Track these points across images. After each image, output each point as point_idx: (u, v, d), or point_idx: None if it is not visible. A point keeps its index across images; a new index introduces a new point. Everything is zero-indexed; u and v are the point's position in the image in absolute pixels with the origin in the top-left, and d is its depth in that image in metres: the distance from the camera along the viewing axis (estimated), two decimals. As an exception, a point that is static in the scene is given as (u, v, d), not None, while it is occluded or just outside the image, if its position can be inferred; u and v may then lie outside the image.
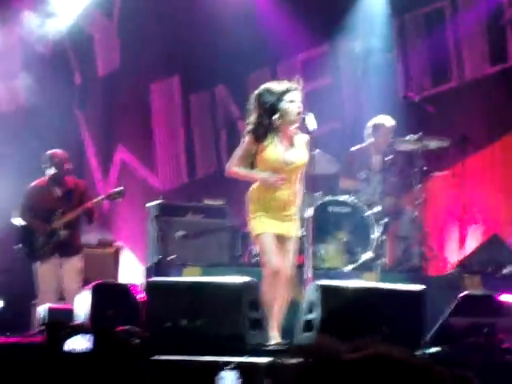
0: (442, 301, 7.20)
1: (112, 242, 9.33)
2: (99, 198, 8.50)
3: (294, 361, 2.29)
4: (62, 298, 8.20)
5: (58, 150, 8.41)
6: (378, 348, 2.13)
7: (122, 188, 8.56)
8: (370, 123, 8.95)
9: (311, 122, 7.67)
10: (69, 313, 6.74)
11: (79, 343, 4.62)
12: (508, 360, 5.55)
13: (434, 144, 8.63)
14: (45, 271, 8.29)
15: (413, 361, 2.12)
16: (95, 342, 4.57)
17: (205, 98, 10.57)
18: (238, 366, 5.20)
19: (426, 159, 8.65)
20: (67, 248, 8.30)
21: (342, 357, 2.17)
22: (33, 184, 8.47)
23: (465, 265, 8.31)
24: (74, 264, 8.31)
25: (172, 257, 8.34)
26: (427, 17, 10.22)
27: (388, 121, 8.88)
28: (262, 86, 6.58)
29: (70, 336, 4.58)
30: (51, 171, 8.36)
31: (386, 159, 8.79)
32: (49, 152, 8.41)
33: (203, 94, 10.57)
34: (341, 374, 2.15)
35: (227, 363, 5.24)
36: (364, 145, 9.01)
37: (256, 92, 6.59)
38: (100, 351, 4.53)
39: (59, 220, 8.24)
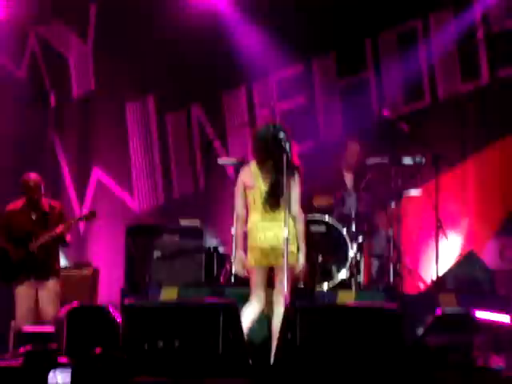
0: (417, 319, 7.25)
1: (89, 264, 9.32)
2: (70, 221, 8.46)
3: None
4: (40, 321, 8.17)
5: (32, 173, 8.39)
6: None
7: (93, 210, 8.55)
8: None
9: (286, 142, 7.70)
10: (44, 336, 6.72)
11: (59, 377, 4.62)
12: (483, 378, 5.59)
13: (408, 162, 8.70)
14: (21, 294, 8.26)
15: None
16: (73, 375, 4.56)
17: (180, 117, 10.60)
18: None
19: (401, 178, 8.71)
20: (43, 271, 8.27)
21: None
22: (8, 207, 8.44)
23: (440, 282, 8.37)
24: (51, 287, 8.28)
25: (148, 277, 8.34)
26: (400, 36, 10.31)
27: (353, 140, 9.01)
28: None
29: (49, 368, 4.57)
30: (26, 194, 8.33)
31: (359, 179, 8.86)
32: (24, 175, 8.38)
33: (178, 114, 10.59)
34: None
35: None
36: (337, 163, 9.10)
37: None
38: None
39: (34, 243, 8.22)
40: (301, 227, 6.87)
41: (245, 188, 6.92)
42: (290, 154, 6.84)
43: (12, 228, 8.28)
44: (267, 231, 6.83)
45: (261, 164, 6.92)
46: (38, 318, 8.21)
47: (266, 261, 6.86)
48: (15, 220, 8.32)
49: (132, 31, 10.38)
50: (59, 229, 8.21)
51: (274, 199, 6.83)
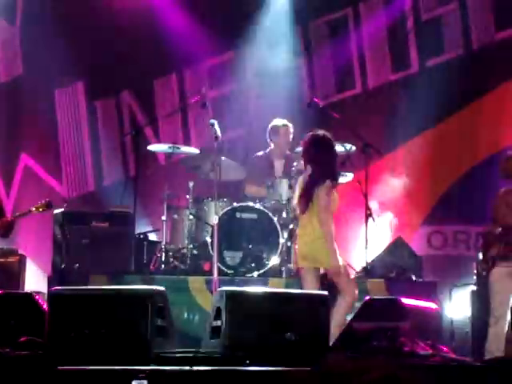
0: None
1: (15, 251, 9.16)
2: (25, 211, 8.32)
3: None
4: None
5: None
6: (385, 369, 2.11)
7: (49, 200, 8.42)
8: (268, 127, 9.07)
9: (217, 129, 7.74)
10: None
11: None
12: (410, 363, 5.64)
13: (338, 150, 8.73)
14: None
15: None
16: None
17: (110, 104, 10.49)
18: (147, 375, 5.17)
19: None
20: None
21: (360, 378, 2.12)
22: None
23: (369, 269, 8.44)
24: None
25: (77, 265, 8.23)
26: (331, 25, 10.36)
27: (283, 123, 9.01)
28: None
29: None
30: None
31: (290, 165, 8.89)
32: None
33: (109, 101, 10.48)
34: None
35: (137, 372, 5.21)
36: (267, 150, 9.11)
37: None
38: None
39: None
40: (324, 230, 7.18)
41: None
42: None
43: None
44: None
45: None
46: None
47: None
48: None
49: (61, 16, 10.23)
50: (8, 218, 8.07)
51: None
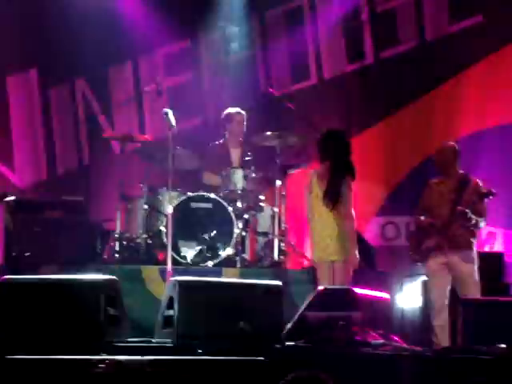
0: (300, 295, 7.34)
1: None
2: None
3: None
4: None
5: None
6: None
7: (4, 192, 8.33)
8: (223, 115, 9.06)
9: (171, 118, 7.71)
10: None
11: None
12: (361, 352, 5.69)
13: (293, 140, 8.76)
14: None
15: None
16: None
17: (64, 91, 10.39)
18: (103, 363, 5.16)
19: (286, 155, 8.78)
20: None
21: None
22: None
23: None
24: None
25: (28, 254, 8.15)
26: (287, 15, 10.37)
27: (237, 110, 9.01)
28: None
29: None
30: None
31: (245, 155, 8.89)
32: None
33: (63, 88, 10.38)
34: None
35: (89, 361, 5.19)
36: (222, 140, 9.10)
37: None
38: None
39: None
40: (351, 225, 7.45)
41: None
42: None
43: None
44: None
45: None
46: None
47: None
48: None
49: (13, 2, 10.09)
50: None
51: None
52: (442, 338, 7.58)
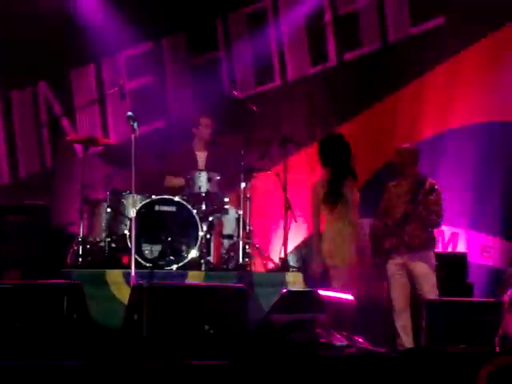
0: (265, 298, 7.34)
1: None
2: None
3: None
4: None
5: None
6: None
7: None
8: (190, 119, 9.08)
9: (135, 121, 7.70)
10: None
11: None
12: (325, 354, 5.70)
13: (257, 143, 8.77)
14: None
15: None
16: None
17: (26, 95, 10.29)
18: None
19: (250, 158, 8.77)
20: None
21: None
22: None
23: (287, 261, 8.48)
24: None
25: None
26: (250, 16, 10.36)
27: (204, 114, 9.02)
28: None
29: None
30: None
31: (211, 158, 8.89)
32: None
33: (24, 91, 10.28)
34: None
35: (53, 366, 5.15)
36: (189, 142, 9.09)
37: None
38: None
39: None
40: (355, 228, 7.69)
41: None
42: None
43: None
44: None
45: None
46: None
47: None
48: None
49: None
50: None
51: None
52: (406, 340, 7.62)
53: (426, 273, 7.72)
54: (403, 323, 7.69)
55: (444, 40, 10.11)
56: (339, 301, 6.65)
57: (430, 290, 7.65)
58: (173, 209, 8.39)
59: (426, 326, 6.96)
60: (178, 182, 8.79)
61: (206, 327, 5.86)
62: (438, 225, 7.89)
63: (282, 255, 8.50)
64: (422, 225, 7.73)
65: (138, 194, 8.25)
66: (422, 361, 5.64)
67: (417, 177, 7.93)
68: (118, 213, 8.39)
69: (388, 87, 10.28)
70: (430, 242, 7.84)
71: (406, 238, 7.72)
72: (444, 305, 7.11)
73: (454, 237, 9.99)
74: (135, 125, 7.78)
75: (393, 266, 7.79)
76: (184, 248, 8.28)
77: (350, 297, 6.92)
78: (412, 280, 7.76)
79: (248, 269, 8.39)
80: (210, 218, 8.47)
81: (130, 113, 7.84)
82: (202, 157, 9.08)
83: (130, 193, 7.99)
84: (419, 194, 7.75)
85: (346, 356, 5.73)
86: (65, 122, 10.24)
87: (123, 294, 7.61)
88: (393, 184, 8.07)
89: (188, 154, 9.05)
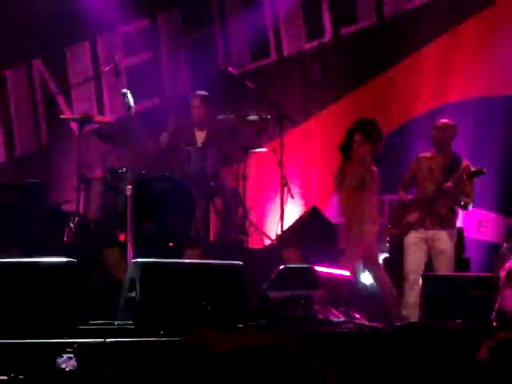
0: (262, 274, 7.34)
1: None
2: None
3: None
4: None
5: None
6: (252, 337, 2.02)
7: None
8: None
9: (130, 98, 7.65)
10: None
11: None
12: (323, 331, 5.71)
13: (253, 119, 8.74)
14: None
15: (289, 349, 2.03)
16: None
17: (21, 72, 10.23)
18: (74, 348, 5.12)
19: (246, 134, 8.75)
20: None
21: (216, 348, 2.02)
22: None
23: (284, 238, 8.48)
24: None
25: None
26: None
27: (194, 94, 8.96)
28: None
29: None
30: None
31: (210, 136, 8.85)
32: None
33: (19, 69, 10.22)
34: (214, 367, 2.01)
35: (53, 345, 5.15)
36: (185, 120, 9.06)
37: None
38: None
39: None
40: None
41: None
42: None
43: None
44: None
45: None
46: None
47: None
48: None
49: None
50: None
51: None
52: (413, 314, 7.51)
53: (448, 249, 7.73)
54: (412, 299, 7.59)
55: (441, 14, 10.05)
56: (337, 277, 6.65)
57: (448, 266, 7.66)
58: (169, 186, 8.37)
59: (422, 301, 6.96)
60: (179, 158, 8.75)
61: (203, 304, 5.85)
62: (467, 207, 7.84)
63: (279, 231, 8.50)
64: (452, 203, 7.70)
65: (135, 172, 8.22)
66: (419, 336, 5.66)
67: (453, 154, 7.88)
68: (115, 190, 8.36)
69: (385, 62, 10.23)
70: (456, 220, 7.85)
71: (434, 213, 7.67)
72: (441, 279, 7.12)
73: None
74: (131, 101, 7.73)
75: (413, 238, 7.76)
76: (181, 225, 8.27)
77: (347, 273, 6.92)
78: (432, 255, 7.75)
79: (245, 245, 8.39)
80: (207, 195, 8.45)
81: (125, 89, 7.79)
82: (200, 135, 9.04)
83: (127, 171, 7.97)
84: (455, 172, 7.70)
85: (344, 332, 5.74)
86: (60, 100, 10.19)
87: (120, 271, 7.61)
88: (425, 156, 7.97)
89: (186, 130, 9.00)
